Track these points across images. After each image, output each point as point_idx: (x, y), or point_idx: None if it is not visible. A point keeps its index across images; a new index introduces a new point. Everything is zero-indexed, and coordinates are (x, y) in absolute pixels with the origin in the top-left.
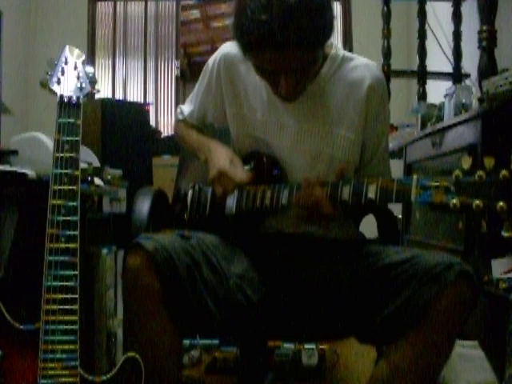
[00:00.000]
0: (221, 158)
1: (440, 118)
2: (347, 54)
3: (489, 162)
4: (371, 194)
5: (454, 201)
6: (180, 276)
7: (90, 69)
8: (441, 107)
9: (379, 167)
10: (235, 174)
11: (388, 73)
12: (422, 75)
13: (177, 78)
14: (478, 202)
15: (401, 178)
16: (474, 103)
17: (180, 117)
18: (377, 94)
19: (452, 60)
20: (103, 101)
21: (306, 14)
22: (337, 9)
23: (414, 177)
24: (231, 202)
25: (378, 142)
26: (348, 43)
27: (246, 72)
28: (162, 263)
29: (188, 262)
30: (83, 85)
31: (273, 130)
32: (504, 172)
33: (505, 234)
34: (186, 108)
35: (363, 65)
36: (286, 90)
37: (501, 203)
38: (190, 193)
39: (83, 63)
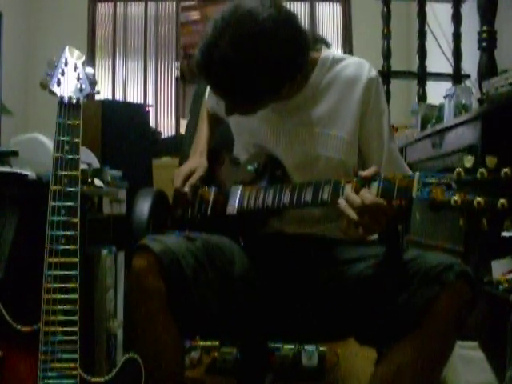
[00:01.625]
0: (188, 163)
1: (440, 119)
2: (337, 55)
3: (491, 161)
4: (373, 191)
5: (456, 198)
6: (186, 278)
7: (89, 70)
8: (441, 108)
9: (393, 170)
10: (176, 183)
11: (388, 74)
12: (422, 76)
13: (177, 79)
14: (479, 199)
15: (404, 174)
16: (474, 104)
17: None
18: (371, 92)
19: (452, 61)
20: (103, 102)
21: (243, 72)
22: (337, 9)
23: (417, 173)
24: (233, 202)
25: (380, 140)
26: (348, 44)
27: None
28: (168, 265)
29: (193, 264)
30: (83, 86)
31: (267, 136)
32: (506, 170)
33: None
34: (208, 93)
35: (355, 64)
36: (230, 112)
37: (502, 201)
38: (191, 194)
39: (83, 64)
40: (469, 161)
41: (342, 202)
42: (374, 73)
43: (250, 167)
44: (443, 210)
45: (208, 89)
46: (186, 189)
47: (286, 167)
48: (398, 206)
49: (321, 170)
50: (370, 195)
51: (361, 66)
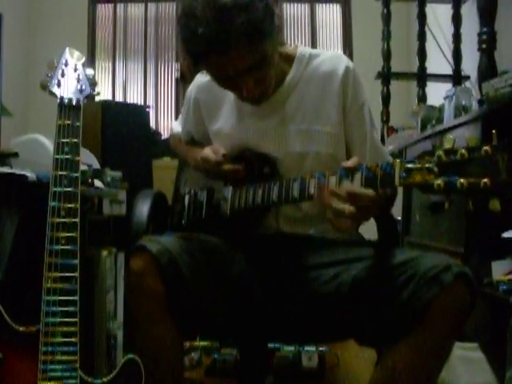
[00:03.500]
0: (203, 150)
1: (440, 120)
2: (313, 51)
3: (471, 140)
4: (357, 181)
5: (438, 181)
6: (183, 278)
7: (90, 71)
8: (441, 109)
9: (375, 160)
10: (211, 157)
11: (388, 75)
12: (422, 77)
13: (177, 80)
14: (461, 180)
15: (385, 163)
16: (474, 105)
17: (172, 133)
18: (349, 82)
19: (452, 62)
20: (103, 103)
21: (236, 14)
22: (337, 11)
23: (397, 160)
24: (225, 203)
25: (362, 130)
26: (348, 45)
27: (219, 92)
28: (166, 266)
29: (191, 264)
30: (83, 87)
31: (254, 139)
32: (486, 148)
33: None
34: (176, 127)
35: (331, 57)
36: (247, 92)
37: (484, 180)
38: (186, 198)
39: (83, 65)
40: (449, 141)
41: (325, 193)
42: (350, 64)
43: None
44: (441, 211)
45: (177, 122)
46: (222, 151)
47: (275, 165)
48: (383, 194)
49: (310, 166)
50: (351, 185)
51: (337, 59)
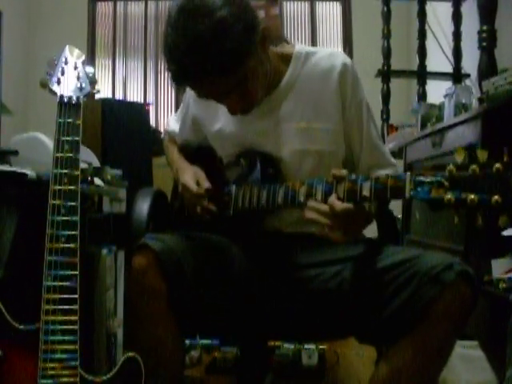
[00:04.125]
0: (185, 174)
1: (440, 118)
2: (311, 49)
3: (482, 155)
4: (365, 192)
5: (449, 196)
6: (186, 277)
7: (89, 69)
8: (441, 107)
9: (373, 157)
10: (192, 187)
11: (388, 73)
12: (422, 75)
13: None
14: (472, 196)
15: (395, 175)
16: (474, 103)
17: (168, 129)
18: (347, 79)
19: (452, 60)
20: (103, 101)
21: (213, 43)
22: (337, 9)
23: (408, 173)
24: (228, 202)
25: (360, 128)
26: (348, 43)
27: None
28: (168, 264)
29: (193, 263)
30: (83, 85)
31: (254, 139)
32: (497, 165)
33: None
34: (173, 125)
35: (328, 54)
36: (233, 108)
37: (496, 197)
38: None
39: (83, 63)
40: (460, 154)
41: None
42: (347, 60)
43: (239, 166)
44: (441, 209)
45: (174, 120)
46: (206, 184)
47: (278, 165)
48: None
49: (312, 164)
50: (338, 202)
51: (334, 56)
